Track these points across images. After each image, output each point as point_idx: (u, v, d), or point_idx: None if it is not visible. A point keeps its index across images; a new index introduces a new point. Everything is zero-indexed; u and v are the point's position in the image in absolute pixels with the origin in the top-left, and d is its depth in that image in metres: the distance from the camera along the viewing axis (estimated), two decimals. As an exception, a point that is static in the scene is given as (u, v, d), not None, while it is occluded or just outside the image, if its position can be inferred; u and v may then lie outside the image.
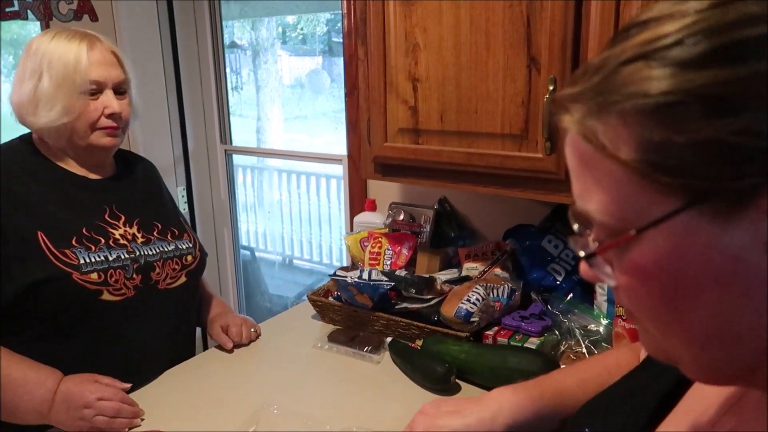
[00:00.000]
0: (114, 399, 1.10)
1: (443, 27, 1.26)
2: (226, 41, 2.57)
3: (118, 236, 1.23)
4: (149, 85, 2.40)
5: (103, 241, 1.20)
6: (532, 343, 1.27)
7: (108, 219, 1.24)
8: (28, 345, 1.14)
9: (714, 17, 0.35)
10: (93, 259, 1.16)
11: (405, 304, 1.40)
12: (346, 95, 1.95)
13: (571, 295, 1.42)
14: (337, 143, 2.46)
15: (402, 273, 1.50)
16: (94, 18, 2.26)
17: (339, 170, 2.28)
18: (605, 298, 1.34)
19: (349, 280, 1.44)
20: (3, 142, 1.27)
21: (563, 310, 1.36)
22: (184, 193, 2.61)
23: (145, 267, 1.24)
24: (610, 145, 0.37)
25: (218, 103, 2.56)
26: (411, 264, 1.67)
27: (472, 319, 1.28)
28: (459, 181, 1.35)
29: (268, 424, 1.08)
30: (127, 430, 1.09)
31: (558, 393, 0.75)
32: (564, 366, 1.22)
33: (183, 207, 2.58)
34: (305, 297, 1.60)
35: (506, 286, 1.40)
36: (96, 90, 1.19)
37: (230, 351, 1.38)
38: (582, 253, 0.42)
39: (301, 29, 2.81)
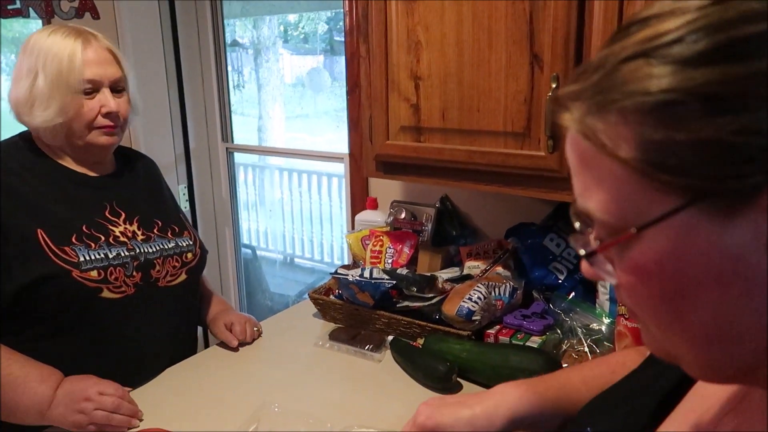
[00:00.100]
0: (115, 395, 1.10)
1: (445, 24, 1.25)
2: (228, 40, 2.56)
3: (118, 234, 1.23)
4: (151, 83, 2.40)
5: (103, 238, 1.19)
6: (534, 341, 1.27)
7: (108, 216, 1.23)
8: (28, 344, 1.13)
9: (715, 14, 0.34)
10: (93, 257, 1.16)
11: (406, 303, 1.40)
12: (348, 93, 1.95)
13: (573, 293, 1.41)
14: (339, 142, 2.46)
15: (403, 271, 1.49)
16: (95, 16, 2.26)
17: (340, 168, 2.27)
18: (607, 296, 1.33)
19: (350, 278, 1.43)
20: (3, 139, 1.26)
21: (565, 309, 1.35)
22: (186, 191, 2.61)
23: (145, 264, 1.23)
24: (610, 144, 0.37)
25: (220, 101, 2.56)
26: (412, 262, 1.66)
27: (474, 318, 1.28)
28: (461, 179, 1.34)
29: (269, 422, 1.07)
30: (126, 429, 1.09)
31: (562, 389, 0.75)
32: (567, 365, 1.22)
33: (184, 205, 2.58)
34: (306, 295, 1.60)
35: (508, 284, 1.39)
36: (92, 89, 1.18)
37: (236, 349, 1.38)
38: (583, 252, 0.42)
39: (303, 27, 2.81)
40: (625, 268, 0.40)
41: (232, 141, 2.63)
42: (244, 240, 2.88)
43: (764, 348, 0.38)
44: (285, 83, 2.91)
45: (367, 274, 1.43)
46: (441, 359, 1.22)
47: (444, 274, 1.53)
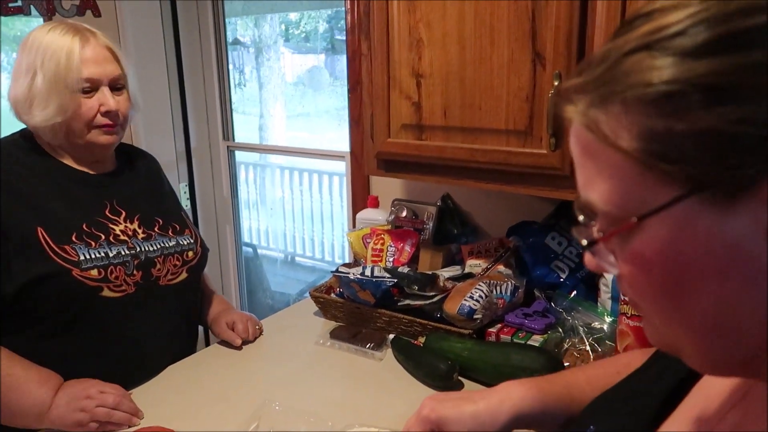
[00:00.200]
0: (115, 392, 1.10)
1: (447, 22, 1.25)
2: (229, 38, 2.56)
3: (118, 232, 1.22)
4: (152, 82, 2.40)
5: (103, 237, 1.19)
6: (536, 340, 1.27)
7: (108, 215, 1.23)
8: (28, 343, 1.13)
9: (716, 7, 0.35)
10: (93, 256, 1.15)
11: (407, 301, 1.39)
12: (349, 91, 1.94)
13: (574, 292, 1.41)
14: (340, 140, 2.46)
15: (405, 270, 1.49)
16: (97, 13, 2.26)
17: (341, 167, 2.27)
18: (609, 295, 1.33)
19: (351, 276, 1.43)
20: (3, 136, 1.26)
21: (567, 308, 1.35)
22: (187, 189, 2.61)
23: (145, 263, 1.23)
24: (612, 135, 0.38)
25: (221, 100, 2.56)
26: (413, 261, 1.66)
27: (475, 316, 1.28)
28: (462, 177, 1.34)
29: (270, 421, 1.07)
30: (127, 426, 1.09)
31: (566, 388, 0.75)
32: (568, 364, 1.21)
33: (185, 204, 2.58)
34: (307, 294, 1.59)
35: (509, 283, 1.39)
36: (90, 88, 1.17)
37: (238, 348, 1.37)
38: (584, 242, 0.43)
39: (304, 26, 2.81)
40: (627, 259, 0.40)
41: (233, 139, 2.63)
42: (245, 238, 2.87)
43: (765, 339, 0.38)
44: (286, 82, 2.91)
45: (368, 272, 1.43)
46: (442, 358, 1.21)
47: (445, 273, 1.52)
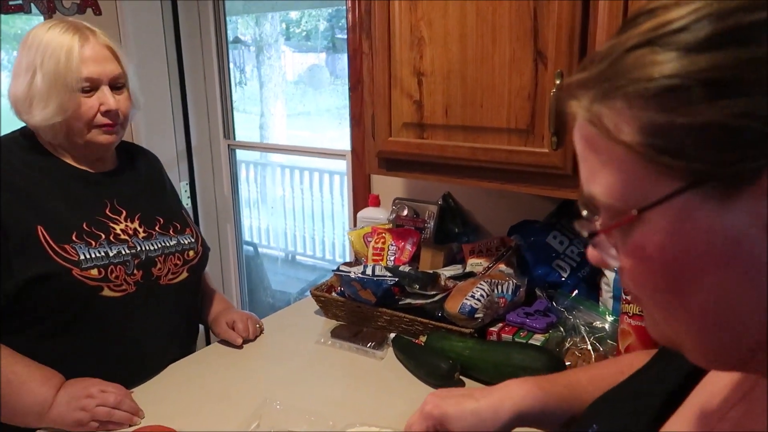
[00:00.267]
0: (117, 392, 1.10)
1: (449, 20, 1.24)
2: (230, 37, 2.56)
3: (119, 231, 1.22)
4: (152, 80, 2.39)
5: (103, 236, 1.19)
6: (537, 339, 1.26)
7: (109, 214, 1.23)
8: (28, 342, 1.13)
9: (719, 3, 0.35)
10: (93, 255, 1.15)
11: (409, 300, 1.39)
12: (350, 90, 1.94)
13: (576, 291, 1.41)
14: (341, 139, 2.46)
15: (406, 269, 1.49)
16: (97, 12, 2.25)
17: (342, 166, 2.27)
18: (611, 294, 1.33)
19: (352, 275, 1.43)
20: (4, 134, 1.25)
21: (568, 307, 1.34)
22: (187, 188, 2.60)
23: (146, 262, 1.23)
24: (614, 129, 0.38)
25: (222, 98, 2.55)
26: (414, 260, 1.66)
27: (477, 316, 1.27)
28: (464, 176, 1.34)
29: (271, 419, 1.07)
30: (128, 425, 1.09)
31: (568, 387, 0.75)
32: (569, 363, 1.21)
33: (186, 202, 2.58)
34: (308, 293, 1.59)
35: (511, 282, 1.39)
36: (90, 87, 1.16)
37: (240, 346, 1.37)
38: (586, 233, 0.44)
39: (305, 24, 2.81)
40: (628, 251, 0.41)
41: (234, 138, 2.63)
42: (246, 237, 2.87)
43: (765, 333, 0.38)
44: (287, 80, 2.91)
45: (369, 271, 1.43)
46: (443, 357, 1.21)
47: (446, 272, 1.52)
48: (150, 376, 1.25)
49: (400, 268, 1.48)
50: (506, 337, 1.29)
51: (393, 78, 1.35)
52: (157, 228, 1.29)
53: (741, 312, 0.38)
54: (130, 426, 1.09)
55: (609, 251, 0.43)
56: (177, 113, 2.52)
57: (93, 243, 1.16)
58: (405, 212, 1.77)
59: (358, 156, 1.97)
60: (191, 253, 1.33)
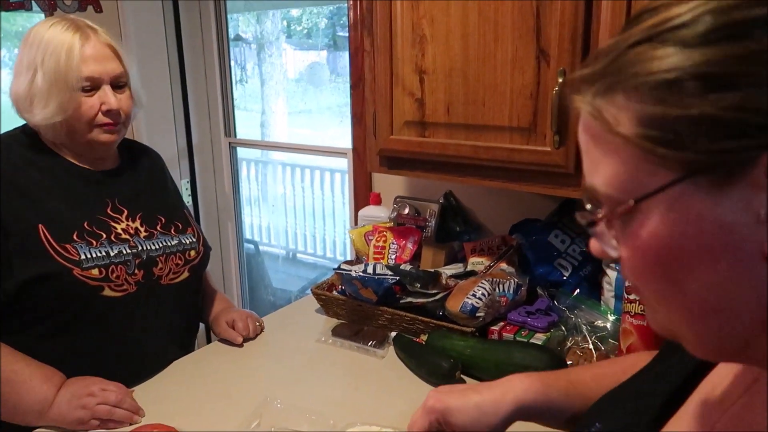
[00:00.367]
0: (118, 391, 1.10)
1: (451, 18, 1.24)
2: (231, 34, 2.56)
3: (120, 231, 1.21)
4: (153, 78, 2.39)
5: (104, 235, 1.18)
6: (538, 338, 1.26)
7: (110, 213, 1.22)
8: (29, 342, 1.13)
9: (718, 0, 0.36)
10: (94, 255, 1.15)
11: (410, 299, 1.39)
12: (352, 88, 1.93)
13: (577, 290, 1.40)
14: (342, 137, 2.45)
15: (407, 267, 1.49)
16: (98, 9, 2.25)
17: (343, 164, 2.27)
18: (612, 293, 1.33)
19: (353, 274, 1.43)
20: (5, 131, 1.25)
21: (570, 306, 1.34)
22: (188, 186, 2.60)
23: (147, 262, 1.22)
24: (614, 121, 0.40)
25: (223, 96, 2.55)
26: (416, 258, 1.66)
27: (478, 314, 1.27)
28: (465, 175, 1.33)
29: (272, 418, 1.07)
30: (128, 423, 1.09)
31: (571, 383, 0.75)
32: (571, 362, 1.21)
33: (187, 200, 2.57)
34: (309, 291, 1.59)
35: (512, 281, 1.38)
36: (91, 86, 1.15)
37: (240, 345, 1.37)
38: (584, 222, 0.45)
39: (306, 21, 2.80)
40: (626, 241, 0.42)
41: (235, 136, 2.62)
42: (247, 235, 2.87)
43: (760, 321, 0.39)
44: (288, 78, 2.90)
45: (370, 269, 1.43)
46: (444, 356, 1.21)
47: (448, 270, 1.52)
48: (150, 375, 1.25)
49: (401, 267, 1.48)
50: (507, 336, 1.29)
51: (395, 76, 1.35)
52: (158, 227, 1.29)
53: (734, 301, 0.39)
54: (131, 424, 1.09)
55: (609, 242, 0.44)
56: (178, 111, 2.51)
57: (94, 242, 1.16)
58: (406, 211, 1.76)
59: (360, 154, 1.96)
60: (192, 252, 1.32)
